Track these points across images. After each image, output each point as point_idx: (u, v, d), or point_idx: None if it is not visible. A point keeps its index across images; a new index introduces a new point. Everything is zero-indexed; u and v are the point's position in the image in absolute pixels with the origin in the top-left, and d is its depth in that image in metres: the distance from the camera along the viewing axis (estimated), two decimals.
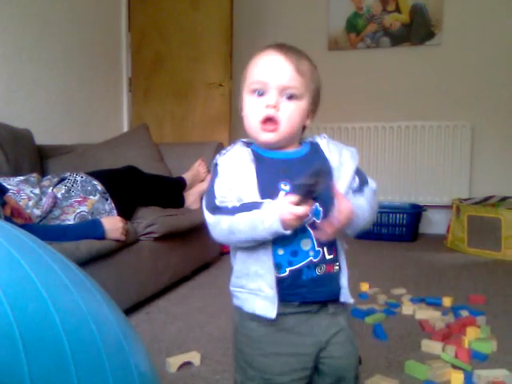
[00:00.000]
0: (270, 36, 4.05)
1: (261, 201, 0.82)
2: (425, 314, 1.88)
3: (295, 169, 0.86)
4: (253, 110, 0.88)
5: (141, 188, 2.23)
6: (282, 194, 0.83)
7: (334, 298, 0.89)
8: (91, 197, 1.95)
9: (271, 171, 0.87)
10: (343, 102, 3.89)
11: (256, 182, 0.85)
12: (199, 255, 2.55)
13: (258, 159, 0.88)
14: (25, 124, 2.44)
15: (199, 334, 1.72)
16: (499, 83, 3.63)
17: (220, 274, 2.53)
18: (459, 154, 3.68)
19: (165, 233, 2.09)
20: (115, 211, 1.98)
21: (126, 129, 3.38)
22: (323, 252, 0.87)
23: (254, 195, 0.84)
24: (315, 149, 0.92)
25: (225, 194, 0.86)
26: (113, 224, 1.79)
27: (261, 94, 0.87)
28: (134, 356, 0.62)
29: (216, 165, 0.89)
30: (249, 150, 0.90)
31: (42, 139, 2.54)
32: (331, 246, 0.88)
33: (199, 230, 2.29)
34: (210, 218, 0.86)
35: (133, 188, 2.18)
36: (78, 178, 2.00)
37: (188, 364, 1.46)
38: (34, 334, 0.48)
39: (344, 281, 0.90)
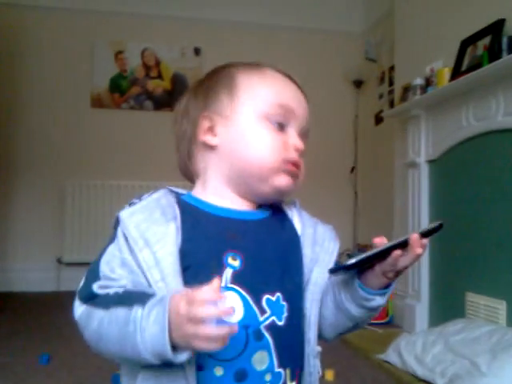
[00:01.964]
0: (30, 84, 3.79)
1: (153, 290, 0.50)
2: None
3: (250, 236, 0.59)
4: (272, 146, 0.61)
5: None
6: (228, 272, 0.53)
7: None
8: None
9: (211, 235, 0.57)
10: (106, 159, 3.87)
11: (175, 252, 0.52)
12: None
13: (189, 214, 0.58)
14: None
15: None
16: None
17: None
18: None
19: None
20: None
21: None
22: (285, 376, 0.55)
23: (170, 276, 0.51)
24: (279, 215, 0.66)
25: (115, 273, 0.53)
26: None
27: (281, 126, 0.62)
28: None
29: (117, 223, 0.57)
30: (173, 198, 0.60)
31: None
32: (297, 364, 0.56)
33: None
34: (77, 308, 0.54)
35: None
36: None
37: None
38: None
39: None
